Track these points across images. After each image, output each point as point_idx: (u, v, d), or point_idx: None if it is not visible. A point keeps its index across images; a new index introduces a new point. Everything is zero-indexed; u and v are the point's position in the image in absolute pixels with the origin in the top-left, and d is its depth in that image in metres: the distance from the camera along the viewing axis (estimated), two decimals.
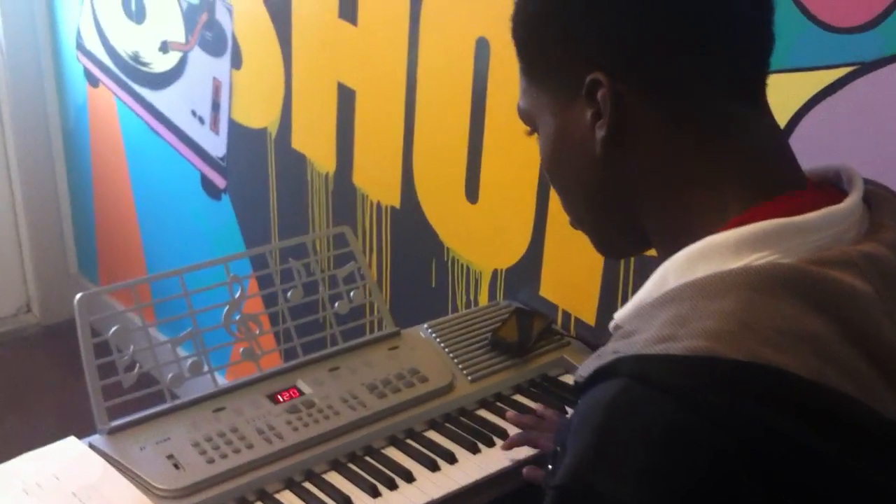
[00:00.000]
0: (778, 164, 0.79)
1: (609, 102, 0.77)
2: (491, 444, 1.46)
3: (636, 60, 0.76)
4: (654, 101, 0.77)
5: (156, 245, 3.08)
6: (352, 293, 1.65)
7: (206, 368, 1.50)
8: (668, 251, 0.78)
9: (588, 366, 0.75)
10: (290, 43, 2.29)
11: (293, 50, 2.29)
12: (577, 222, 0.90)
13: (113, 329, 1.42)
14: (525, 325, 1.69)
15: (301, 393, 1.49)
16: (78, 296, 1.40)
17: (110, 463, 1.31)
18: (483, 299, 1.97)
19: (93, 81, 3.13)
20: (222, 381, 1.52)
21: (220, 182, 2.68)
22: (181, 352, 1.52)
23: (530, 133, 0.89)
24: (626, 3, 0.76)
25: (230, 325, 1.55)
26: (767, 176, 0.78)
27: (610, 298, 1.72)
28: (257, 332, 1.57)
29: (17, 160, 3.33)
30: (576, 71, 0.78)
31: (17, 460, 1.27)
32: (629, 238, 0.87)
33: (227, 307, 1.54)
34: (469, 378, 1.58)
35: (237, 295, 1.55)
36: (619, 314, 0.80)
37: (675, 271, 0.76)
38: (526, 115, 0.88)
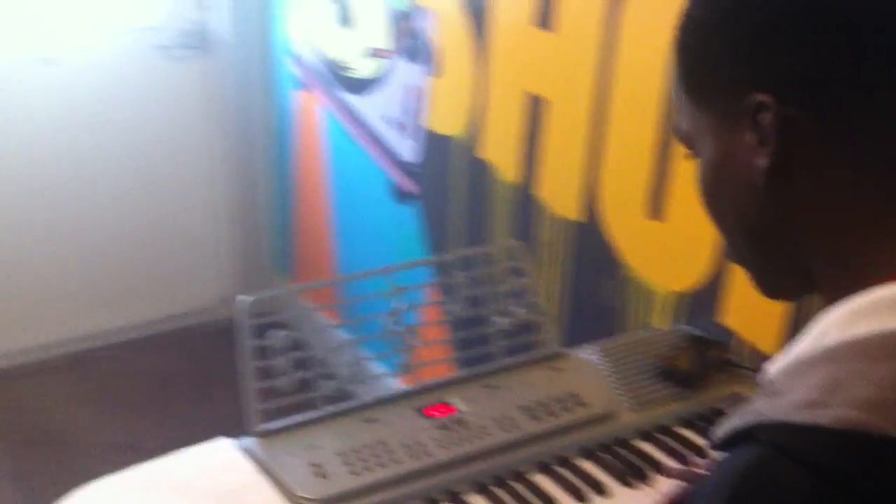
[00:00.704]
0: None
1: (774, 129, 0.68)
2: (645, 479, 1.37)
3: (809, 83, 0.67)
4: (827, 130, 0.68)
5: (345, 245, 3.16)
6: (519, 309, 1.61)
7: (363, 377, 1.50)
8: (832, 299, 0.70)
9: (727, 426, 0.68)
10: (485, 50, 2.28)
11: (488, 57, 2.28)
12: (735, 257, 0.81)
13: (278, 333, 1.43)
14: (700, 354, 1.58)
15: (455, 409, 1.46)
16: (240, 298, 1.42)
17: (258, 466, 1.32)
18: (656, 321, 1.88)
19: (299, 85, 3.23)
20: (381, 389, 1.51)
21: (409, 188, 2.70)
22: (364, 353, 1.52)
23: (689, 156, 0.81)
24: (803, 17, 0.68)
25: (392, 335, 1.54)
26: None
27: (797, 331, 1.59)
28: (419, 343, 1.55)
29: (224, 159, 3.51)
30: (742, 90, 0.70)
31: (169, 457, 1.31)
32: (792, 279, 0.78)
33: (389, 316, 1.53)
34: (632, 406, 1.50)
35: (402, 305, 1.54)
36: (774, 367, 0.72)
37: (836, 325, 0.67)
38: (684, 137, 0.80)
